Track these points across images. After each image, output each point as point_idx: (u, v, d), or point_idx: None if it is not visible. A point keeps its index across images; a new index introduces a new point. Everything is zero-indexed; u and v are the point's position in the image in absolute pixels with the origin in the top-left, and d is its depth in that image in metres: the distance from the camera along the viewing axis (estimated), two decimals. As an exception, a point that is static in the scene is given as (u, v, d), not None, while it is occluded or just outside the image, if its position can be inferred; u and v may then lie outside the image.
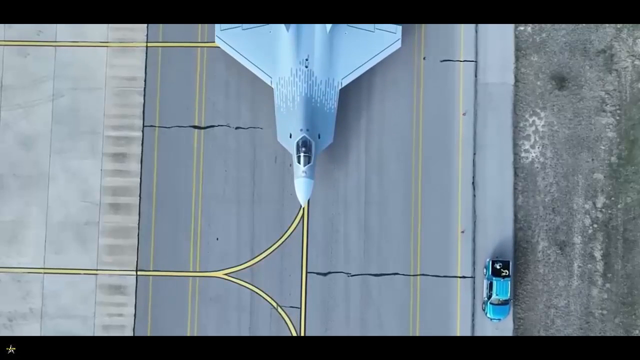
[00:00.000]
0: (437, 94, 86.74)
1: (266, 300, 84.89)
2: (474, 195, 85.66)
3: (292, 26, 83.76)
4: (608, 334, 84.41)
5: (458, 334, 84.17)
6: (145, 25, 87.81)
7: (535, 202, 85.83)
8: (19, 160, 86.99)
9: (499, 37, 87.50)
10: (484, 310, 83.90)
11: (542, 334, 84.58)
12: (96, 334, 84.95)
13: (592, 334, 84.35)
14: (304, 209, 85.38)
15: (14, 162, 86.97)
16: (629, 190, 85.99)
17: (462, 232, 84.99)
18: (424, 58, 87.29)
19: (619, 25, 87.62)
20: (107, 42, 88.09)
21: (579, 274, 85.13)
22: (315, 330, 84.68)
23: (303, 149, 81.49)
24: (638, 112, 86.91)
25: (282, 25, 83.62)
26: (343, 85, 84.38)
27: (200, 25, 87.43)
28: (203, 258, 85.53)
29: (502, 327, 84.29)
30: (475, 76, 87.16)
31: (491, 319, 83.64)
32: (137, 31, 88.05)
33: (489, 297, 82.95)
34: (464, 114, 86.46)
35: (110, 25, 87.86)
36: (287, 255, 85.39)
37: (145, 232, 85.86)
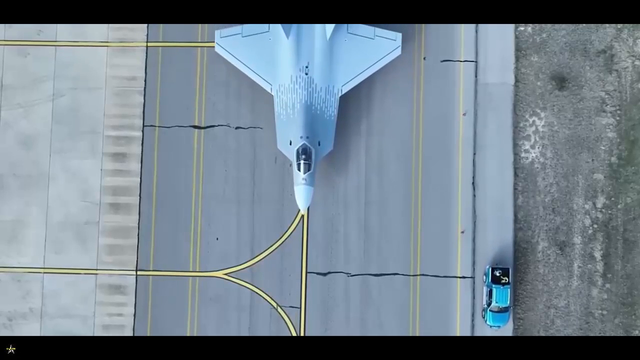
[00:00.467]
0: (437, 94, 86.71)
1: (266, 300, 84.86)
2: (474, 196, 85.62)
3: (292, 33, 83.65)
4: (608, 334, 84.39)
5: (458, 334, 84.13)
6: (146, 25, 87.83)
7: (535, 202, 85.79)
8: (19, 160, 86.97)
9: (499, 37, 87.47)
10: (483, 317, 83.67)
11: (542, 334, 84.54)
12: (96, 334, 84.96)
13: (592, 334, 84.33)
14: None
15: (14, 162, 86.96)
16: (629, 191, 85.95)
17: (462, 232, 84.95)
18: (424, 58, 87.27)
19: (619, 26, 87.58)
20: (107, 42, 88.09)
21: (579, 274, 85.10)
22: (315, 330, 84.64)
23: (303, 156, 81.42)
24: (638, 112, 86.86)
25: (282, 33, 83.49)
26: (343, 93, 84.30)
27: (200, 25, 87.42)
28: (203, 258, 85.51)
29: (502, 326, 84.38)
30: (476, 76, 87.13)
31: (490, 326, 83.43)
32: (137, 31, 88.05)
33: (489, 304, 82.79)
34: (464, 114, 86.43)
35: (111, 25, 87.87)
36: (287, 255, 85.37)
37: (145, 232, 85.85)
